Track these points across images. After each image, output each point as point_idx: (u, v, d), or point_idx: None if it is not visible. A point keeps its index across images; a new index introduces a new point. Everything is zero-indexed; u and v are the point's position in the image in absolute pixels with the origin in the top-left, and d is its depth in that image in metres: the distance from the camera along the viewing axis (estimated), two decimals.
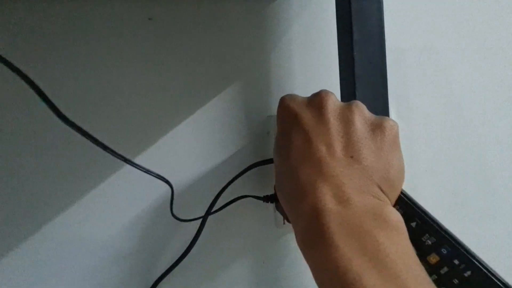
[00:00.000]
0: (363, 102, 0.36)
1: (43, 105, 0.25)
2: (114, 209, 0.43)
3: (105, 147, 0.30)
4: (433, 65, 0.54)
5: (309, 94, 0.48)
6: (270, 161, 0.45)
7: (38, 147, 0.42)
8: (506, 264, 0.54)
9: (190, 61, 0.45)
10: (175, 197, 0.42)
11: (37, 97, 0.24)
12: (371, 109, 0.34)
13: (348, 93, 0.39)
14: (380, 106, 0.38)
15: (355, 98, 0.37)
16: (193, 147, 0.45)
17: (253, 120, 0.48)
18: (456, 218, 0.56)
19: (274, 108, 0.48)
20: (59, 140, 0.42)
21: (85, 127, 0.27)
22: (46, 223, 0.42)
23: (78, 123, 0.26)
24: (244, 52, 0.47)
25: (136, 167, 0.34)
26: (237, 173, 0.44)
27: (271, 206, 0.48)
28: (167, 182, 0.37)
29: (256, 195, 0.45)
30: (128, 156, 0.32)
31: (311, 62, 0.49)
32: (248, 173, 0.46)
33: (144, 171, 0.36)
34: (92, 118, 0.42)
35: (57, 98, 0.26)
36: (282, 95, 0.48)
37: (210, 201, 0.44)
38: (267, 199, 0.43)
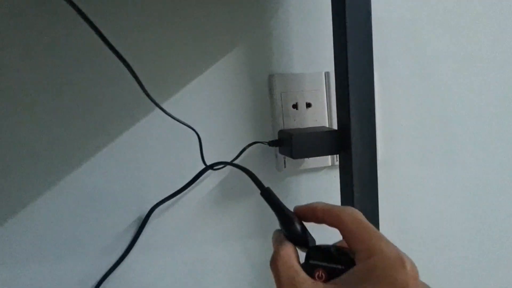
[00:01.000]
0: (353, 60, 0.45)
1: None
2: (146, 152, 0.51)
3: (143, 87, 0.37)
4: (411, 35, 0.63)
5: (305, 55, 0.56)
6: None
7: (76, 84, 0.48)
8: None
9: (202, 25, 0.52)
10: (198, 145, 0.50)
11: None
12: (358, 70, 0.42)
13: (341, 54, 0.46)
14: (366, 68, 0.46)
15: (346, 59, 0.45)
16: (202, 103, 0.53)
17: (255, 79, 0.55)
18: (426, 162, 0.66)
19: (274, 68, 0.55)
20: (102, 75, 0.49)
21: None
22: (80, 164, 0.49)
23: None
24: (247, 19, 0.54)
25: (167, 114, 0.42)
26: (243, 126, 0.52)
27: (274, 151, 0.56)
28: (194, 131, 0.45)
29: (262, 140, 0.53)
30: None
31: (307, 28, 0.56)
32: (251, 126, 0.54)
33: (175, 119, 0.43)
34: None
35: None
36: (282, 56, 0.56)
37: (223, 148, 0.53)
38: (272, 143, 0.52)
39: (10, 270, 0.49)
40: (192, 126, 0.47)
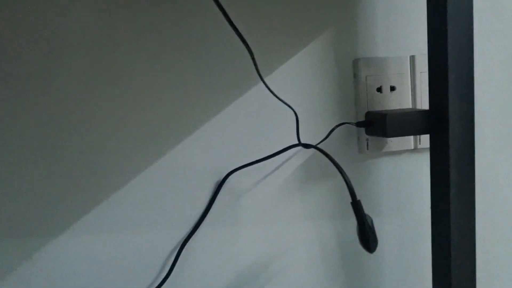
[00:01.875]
0: (453, 39, 0.45)
1: None
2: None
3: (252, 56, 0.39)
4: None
5: (390, 39, 0.56)
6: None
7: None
8: None
9: (292, 11, 0.53)
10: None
11: None
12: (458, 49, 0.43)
13: (438, 33, 0.47)
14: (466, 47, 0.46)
15: (446, 37, 0.45)
16: (293, 85, 0.54)
17: (341, 63, 0.56)
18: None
19: (359, 53, 0.56)
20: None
21: None
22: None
23: None
24: (335, 4, 0.55)
25: (269, 89, 0.43)
26: (328, 108, 0.54)
27: (356, 134, 0.57)
28: (293, 110, 0.46)
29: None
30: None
31: (392, 12, 0.57)
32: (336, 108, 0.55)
33: (277, 97, 0.45)
34: None
35: None
36: (367, 41, 0.57)
37: (309, 128, 0.54)
38: (359, 124, 0.53)
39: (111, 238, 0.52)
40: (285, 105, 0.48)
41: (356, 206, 0.38)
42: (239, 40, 0.38)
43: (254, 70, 0.43)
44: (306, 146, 0.48)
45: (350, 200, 0.57)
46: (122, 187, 0.52)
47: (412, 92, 0.57)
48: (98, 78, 0.49)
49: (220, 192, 0.54)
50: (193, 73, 0.52)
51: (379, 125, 0.50)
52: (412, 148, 0.58)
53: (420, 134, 0.51)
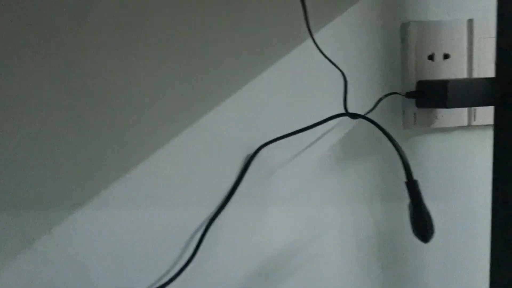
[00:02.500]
0: None
1: None
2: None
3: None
4: None
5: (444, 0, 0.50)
6: None
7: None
8: None
9: None
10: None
11: None
12: None
13: None
14: None
15: None
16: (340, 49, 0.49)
17: (388, 27, 0.50)
18: None
19: (408, 15, 0.50)
20: None
21: None
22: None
23: None
24: None
25: (318, 48, 0.38)
26: (373, 77, 0.48)
27: (401, 107, 0.51)
28: (342, 72, 0.41)
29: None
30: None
31: None
32: (382, 77, 0.49)
33: (326, 57, 0.39)
34: None
35: None
36: (417, 1, 0.50)
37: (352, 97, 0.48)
38: (409, 95, 0.47)
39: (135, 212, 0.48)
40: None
41: (413, 186, 0.33)
42: None
43: (302, 25, 0.38)
44: (353, 116, 0.42)
45: (395, 181, 0.51)
46: (145, 159, 0.48)
47: (469, 61, 0.50)
48: (129, 46, 0.45)
49: (250, 168, 0.50)
50: (228, 27, 0.47)
51: (437, 94, 0.44)
52: (466, 124, 0.51)
53: (485, 105, 0.45)
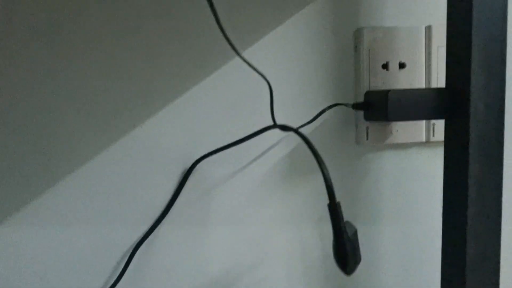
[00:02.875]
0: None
1: None
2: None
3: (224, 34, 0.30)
4: None
5: (401, 5, 0.46)
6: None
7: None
8: None
9: None
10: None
11: None
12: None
13: None
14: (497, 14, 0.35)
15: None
16: (278, 56, 0.45)
17: (339, 33, 0.46)
18: None
19: (362, 21, 0.46)
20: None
21: None
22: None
23: None
24: None
25: (239, 55, 0.34)
26: (321, 86, 0.43)
27: (354, 120, 0.46)
28: (266, 80, 0.37)
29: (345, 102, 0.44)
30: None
31: None
32: (331, 87, 0.45)
33: (250, 65, 0.35)
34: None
35: None
36: (372, 6, 0.46)
37: (297, 108, 0.44)
38: (356, 106, 0.42)
39: (55, 230, 0.44)
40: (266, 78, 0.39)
41: (334, 210, 0.28)
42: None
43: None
44: (283, 128, 0.38)
45: (347, 199, 0.47)
46: (70, 173, 0.43)
47: (427, 71, 0.46)
48: (51, 50, 0.41)
49: (186, 183, 0.45)
50: (162, 42, 0.43)
51: (379, 105, 0.39)
52: (424, 140, 0.47)
53: (431, 118, 0.41)
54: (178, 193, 0.45)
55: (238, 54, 0.33)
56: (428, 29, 0.46)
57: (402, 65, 0.46)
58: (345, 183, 0.47)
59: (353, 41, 0.46)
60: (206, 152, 0.44)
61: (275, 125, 0.39)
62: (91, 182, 0.44)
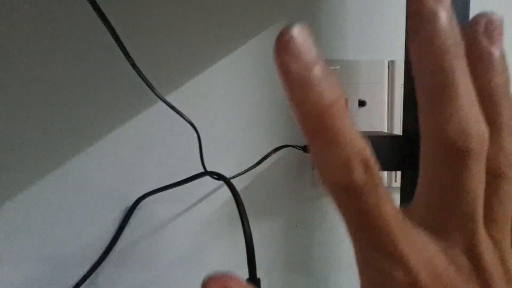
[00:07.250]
0: None
1: None
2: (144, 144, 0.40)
3: (147, 82, 0.26)
4: None
5: (362, 39, 0.42)
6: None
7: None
8: None
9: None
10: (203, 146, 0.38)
11: None
12: None
13: None
14: None
15: None
16: (219, 96, 0.41)
17: None
18: None
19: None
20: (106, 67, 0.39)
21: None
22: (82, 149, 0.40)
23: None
24: None
25: (171, 107, 0.30)
26: (270, 127, 0.39)
27: (310, 162, 0.42)
28: (194, 127, 0.33)
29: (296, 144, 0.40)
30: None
31: (367, 5, 0.42)
32: (281, 127, 0.41)
33: (177, 112, 0.31)
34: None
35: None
36: (331, 40, 0.42)
37: (245, 151, 0.40)
38: (307, 149, 0.38)
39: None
40: (200, 122, 0.35)
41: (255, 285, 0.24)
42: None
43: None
44: (214, 175, 0.34)
45: (301, 248, 0.43)
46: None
47: (389, 111, 0.42)
48: None
49: (130, 221, 0.41)
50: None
51: None
52: (385, 186, 0.43)
53: (386, 169, 0.36)
54: (121, 232, 0.41)
55: (162, 99, 0.30)
56: (392, 64, 0.42)
57: (362, 103, 0.41)
58: (300, 228, 0.43)
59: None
60: (148, 190, 0.41)
61: (206, 172, 0.35)
62: (24, 220, 0.40)
